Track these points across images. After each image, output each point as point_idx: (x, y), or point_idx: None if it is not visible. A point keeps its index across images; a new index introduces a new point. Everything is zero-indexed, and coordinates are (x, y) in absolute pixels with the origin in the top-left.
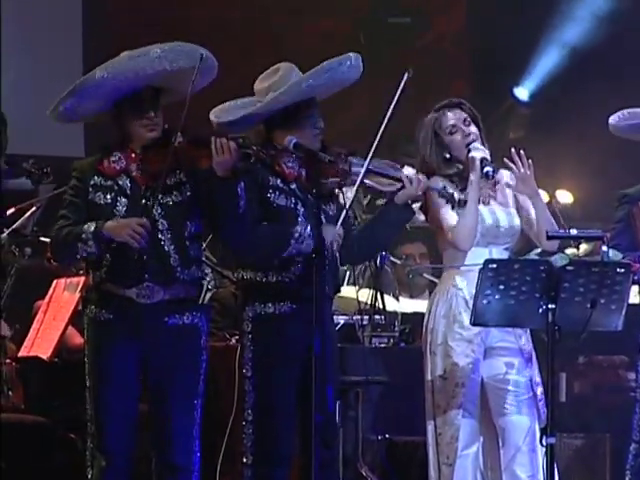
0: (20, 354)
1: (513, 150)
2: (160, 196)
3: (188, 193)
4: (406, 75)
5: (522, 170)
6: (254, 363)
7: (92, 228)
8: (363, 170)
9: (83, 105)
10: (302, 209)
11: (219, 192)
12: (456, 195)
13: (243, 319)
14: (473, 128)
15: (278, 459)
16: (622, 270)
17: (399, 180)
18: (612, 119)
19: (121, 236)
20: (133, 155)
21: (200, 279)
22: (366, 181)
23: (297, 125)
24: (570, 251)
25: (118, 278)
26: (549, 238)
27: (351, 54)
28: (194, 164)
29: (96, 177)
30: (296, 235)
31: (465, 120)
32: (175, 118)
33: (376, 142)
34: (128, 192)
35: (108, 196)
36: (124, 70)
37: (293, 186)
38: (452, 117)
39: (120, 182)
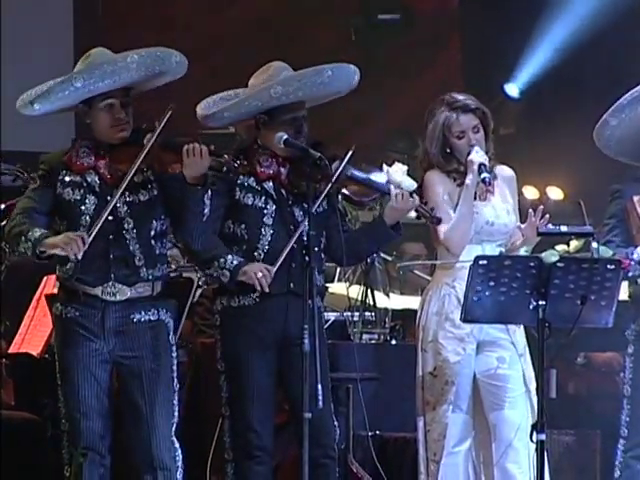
0: (10, 350)
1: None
2: (127, 194)
3: (155, 192)
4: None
5: (535, 221)
6: (224, 357)
7: (37, 234)
8: (339, 169)
9: (54, 105)
10: (273, 208)
11: (186, 197)
12: (434, 212)
13: (214, 313)
14: (480, 135)
15: (256, 453)
16: (612, 267)
17: (386, 193)
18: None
19: (56, 247)
20: (102, 152)
21: (167, 275)
22: (345, 191)
23: (280, 126)
24: (560, 247)
25: (83, 277)
26: (539, 234)
27: (327, 66)
28: (163, 167)
29: (64, 172)
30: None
31: (475, 127)
32: (163, 108)
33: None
34: (97, 189)
35: (77, 193)
36: (102, 78)
37: (267, 185)
38: (463, 123)
39: (89, 179)
